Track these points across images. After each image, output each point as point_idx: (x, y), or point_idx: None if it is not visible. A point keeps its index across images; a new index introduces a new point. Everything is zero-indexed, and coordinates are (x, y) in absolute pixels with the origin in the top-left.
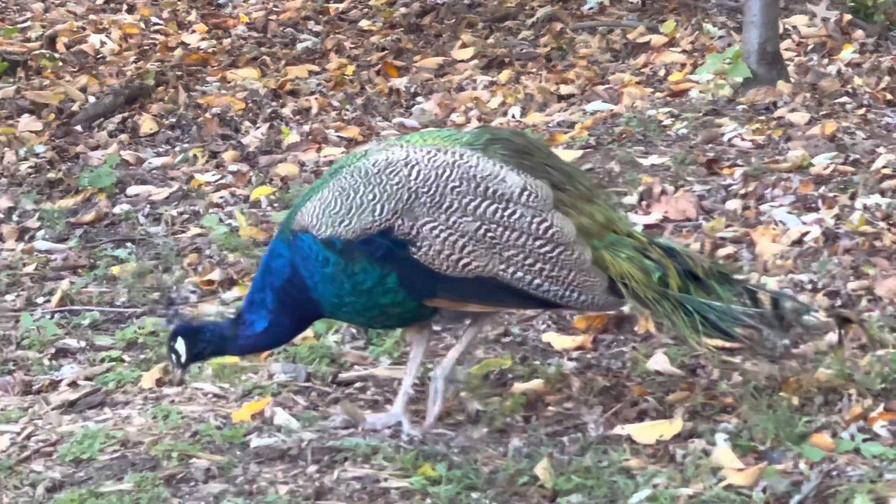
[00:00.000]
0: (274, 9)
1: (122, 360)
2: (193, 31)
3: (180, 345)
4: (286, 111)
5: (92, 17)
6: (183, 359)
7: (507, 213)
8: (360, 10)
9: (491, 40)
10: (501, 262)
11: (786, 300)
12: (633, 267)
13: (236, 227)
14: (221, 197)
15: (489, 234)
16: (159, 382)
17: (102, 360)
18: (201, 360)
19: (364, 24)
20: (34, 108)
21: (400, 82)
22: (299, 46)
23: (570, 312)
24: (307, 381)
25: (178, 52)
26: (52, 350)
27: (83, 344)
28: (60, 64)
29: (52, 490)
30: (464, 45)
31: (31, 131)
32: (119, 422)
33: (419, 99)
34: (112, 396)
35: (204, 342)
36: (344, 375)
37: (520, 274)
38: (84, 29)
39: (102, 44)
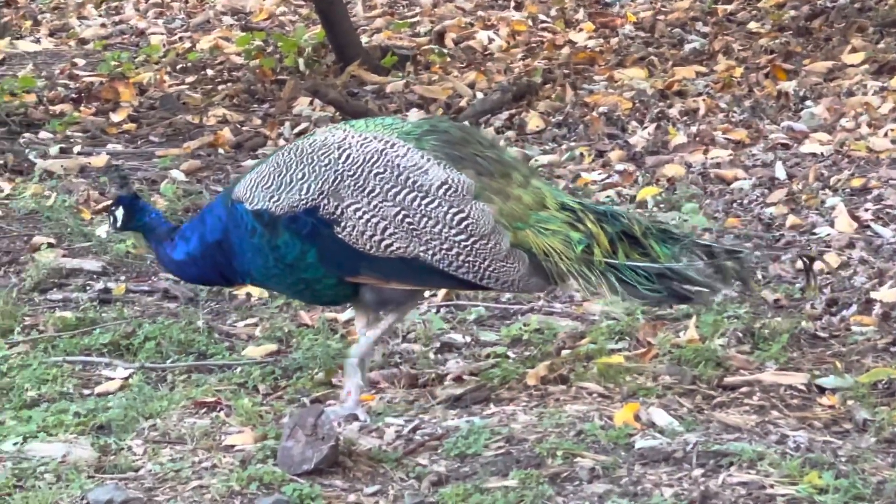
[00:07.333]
0: (662, 9)
1: (507, 357)
2: (581, 30)
3: (120, 212)
4: (673, 112)
5: (480, 13)
6: (118, 224)
7: (424, 203)
8: (749, 11)
9: (881, 45)
10: (421, 245)
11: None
12: (556, 241)
13: None
14: (607, 196)
15: (407, 220)
16: (544, 380)
17: (487, 356)
18: (132, 232)
19: (752, 25)
20: (422, 102)
21: (788, 85)
22: (687, 47)
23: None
24: (692, 383)
25: (566, 50)
26: (438, 344)
27: (468, 339)
28: (448, 59)
29: (438, 484)
30: (854, 50)
31: None
32: (504, 418)
33: (808, 103)
34: (497, 392)
35: (139, 221)
36: (729, 379)
37: (439, 257)
38: (472, 25)
39: (490, 40)
